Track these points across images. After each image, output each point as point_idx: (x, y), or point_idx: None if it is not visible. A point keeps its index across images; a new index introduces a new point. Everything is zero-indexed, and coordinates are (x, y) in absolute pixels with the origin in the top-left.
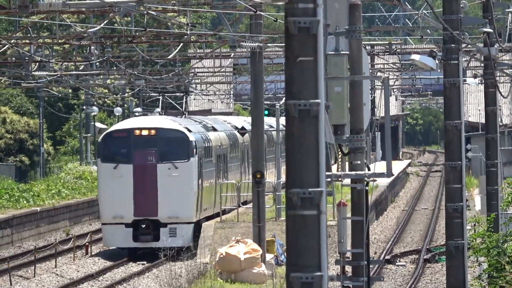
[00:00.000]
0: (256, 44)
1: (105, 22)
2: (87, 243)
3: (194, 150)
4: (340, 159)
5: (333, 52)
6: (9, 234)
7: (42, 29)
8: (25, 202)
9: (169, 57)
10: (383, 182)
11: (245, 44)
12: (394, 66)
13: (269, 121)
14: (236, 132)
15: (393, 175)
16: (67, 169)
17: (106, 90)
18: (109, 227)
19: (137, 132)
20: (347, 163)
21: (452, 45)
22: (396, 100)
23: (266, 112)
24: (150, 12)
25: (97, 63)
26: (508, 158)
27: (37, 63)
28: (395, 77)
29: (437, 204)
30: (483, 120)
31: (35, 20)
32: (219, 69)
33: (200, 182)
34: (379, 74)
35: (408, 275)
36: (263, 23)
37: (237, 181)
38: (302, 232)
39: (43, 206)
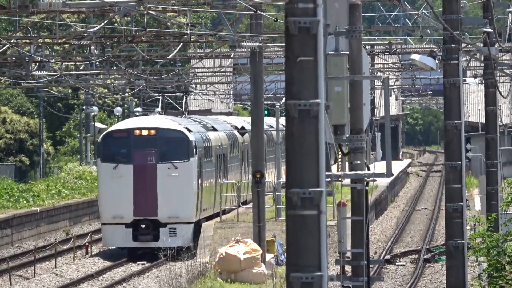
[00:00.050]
0: (256, 44)
1: (105, 22)
2: (87, 243)
3: (194, 150)
4: (340, 159)
5: (333, 52)
6: (9, 234)
7: (42, 29)
8: (25, 202)
9: (169, 57)
10: (383, 182)
11: (245, 44)
12: (394, 66)
13: (269, 121)
14: (236, 132)
15: (393, 175)
16: (67, 169)
17: (106, 90)
18: (109, 227)
19: (137, 132)
20: (347, 163)
21: (452, 45)
22: (396, 100)
23: (266, 112)
24: (150, 12)
25: (97, 63)
26: (508, 158)
27: (37, 63)
28: (395, 77)
29: (437, 204)
30: (483, 120)
31: (35, 20)
32: (219, 69)
33: (200, 182)
34: (379, 74)
35: (408, 275)
36: (263, 23)
37: (237, 181)
38: (302, 232)
39: (43, 206)
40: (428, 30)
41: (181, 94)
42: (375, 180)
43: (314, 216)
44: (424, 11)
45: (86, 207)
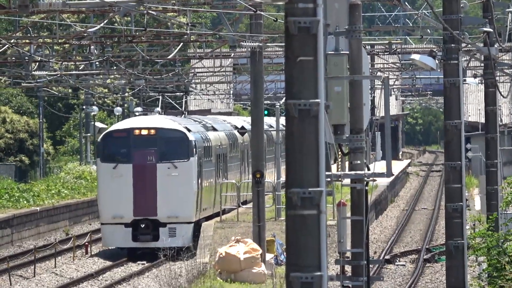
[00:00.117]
0: (256, 44)
1: (105, 21)
2: (86, 243)
3: (194, 149)
4: (340, 159)
5: (333, 52)
6: (9, 234)
7: (42, 28)
8: (25, 202)
9: (169, 57)
10: (383, 182)
11: (245, 44)
12: (394, 66)
13: (269, 121)
14: (235, 132)
15: (393, 175)
16: (67, 169)
17: (106, 90)
18: (108, 227)
19: (137, 132)
20: (347, 163)
21: (452, 45)
22: (396, 100)
23: (266, 112)
24: (150, 12)
25: (97, 63)
26: (508, 158)
27: (37, 63)
28: (395, 77)
29: (437, 204)
30: (483, 120)
31: (35, 20)
32: (219, 69)
33: (199, 182)
34: (379, 74)
35: (408, 275)
36: (263, 23)
37: (237, 181)
38: (302, 232)
39: (43, 206)
40: (428, 30)
41: (181, 94)
42: (375, 180)
43: (314, 216)
44: (424, 11)
45: (86, 207)
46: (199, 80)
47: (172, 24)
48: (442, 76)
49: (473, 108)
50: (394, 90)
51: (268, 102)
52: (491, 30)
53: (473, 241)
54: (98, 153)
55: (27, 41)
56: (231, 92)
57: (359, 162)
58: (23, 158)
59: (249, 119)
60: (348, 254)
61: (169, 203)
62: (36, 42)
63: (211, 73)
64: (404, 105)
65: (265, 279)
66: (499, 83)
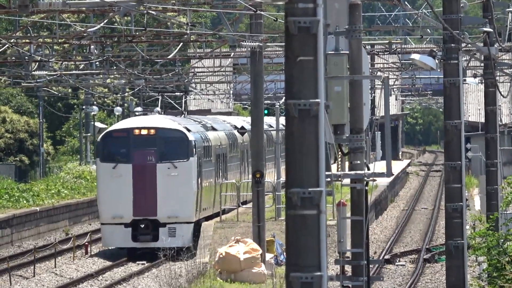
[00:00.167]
0: (256, 43)
1: (105, 21)
2: (86, 243)
3: (194, 149)
4: (340, 159)
5: (333, 52)
6: (9, 234)
7: (42, 28)
8: (24, 202)
9: (169, 56)
10: (383, 182)
11: (245, 43)
12: (394, 66)
13: (268, 120)
14: (235, 131)
15: (393, 175)
16: (66, 169)
17: (106, 90)
18: (108, 227)
19: (137, 131)
20: (346, 163)
21: (452, 44)
22: (396, 99)
23: (266, 111)
24: (150, 11)
25: (97, 63)
26: (508, 158)
27: (37, 63)
28: (395, 76)
29: (436, 204)
30: (483, 120)
31: (35, 20)
32: (219, 68)
33: (199, 182)
34: (379, 73)
35: (408, 275)
36: (263, 22)
37: (237, 181)
38: (302, 232)
39: (42, 206)
40: (428, 29)
41: (181, 94)
42: (375, 180)
43: (314, 216)
44: (424, 10)
45: (86, 207)
46: (199, 80)
47: (172, 24)
48: (442, 76)
49: (473, 108)
50: (394, 90)
51: (268, 102)
52: (491, 30)
53: (473, 241)
54: (98, 153)
55: (27, 41)
56: (231, 92)
57: (359, 162)
58: (23, 158)
59: (249, 119)
60: (348, 254)
61: (169, 203)
62: (36, 42)
63: (211, 73)
64: (404, 105)
65: (265, 279)
66: (499, 83)
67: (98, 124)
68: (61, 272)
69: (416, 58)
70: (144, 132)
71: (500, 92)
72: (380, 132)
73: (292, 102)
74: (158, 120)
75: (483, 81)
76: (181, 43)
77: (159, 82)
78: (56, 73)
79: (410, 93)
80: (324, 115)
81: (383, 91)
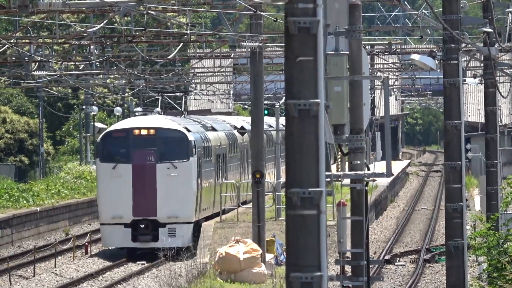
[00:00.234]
0: (256, 44)
1: (105, 21)
2: (86, 243)
3: (193, 150)
4: (339, 159)
5: (333, 52)
6: (9, 234)
7: (42, 28)
8: (24, 202)
9: (169, 57)
10: (383, 182)
11: (245, 44)
12: (394, 66)
13: (268, 120)
14: (235, 132)
15: (393, 175)
16: (66, 169)
17: (106, 90)
18: (108, 227)
19: (136, 132)
20: (346, 163)
21: (452, 45)
22: (396, 100)
23: (266, 111)
24: (150, 12)
25: (97, 63)
26: (508, 158)
27: (37, 63)
28: (395, 77)
29: (436, 204)
30: (483, 120)
31: (35, 20)
32: (219, 69)
33: (199, 182)
34: (379, 74)
35: (408, 275)
36: (263, 23)
37: (237, 181)
38: (302, 232)
39: (42, 206)
40: (428, 30)
41: (181, 94)
42: (375, 180)
43: (314, 216)
44: (424, 11)
45: (86, 207)
46: (199, 80)
47: (172, 24)
48: (442, 76)
49: (473, 108)
50: (394, 90)
51: (268, 102)
52: (491, 30)
53: (474, 241)
54: (98, 153)
55: (27, 41)
56: (231, 92)
57: (359, 162)
58: (23, 158)
59: (248, 119)
60: (348, 254)
61: (169, 203)
62: (36, 42)
63: (211, 73)
64: (404, 105)
65: (265, 279)
66: (499, 83)
67: (98, 124)
68: (61, 272)
69: (416, 59)
70: (144, 132)
71: (500, 93)
72: (380, 132)
73: (292, 102)
74: (158, 120)
75: (483, 82)
76: (181, 43)
77: (159, 82)
78: (56, 73)
79: (410, 93)
80: (324, 115)
81: (383, 91)
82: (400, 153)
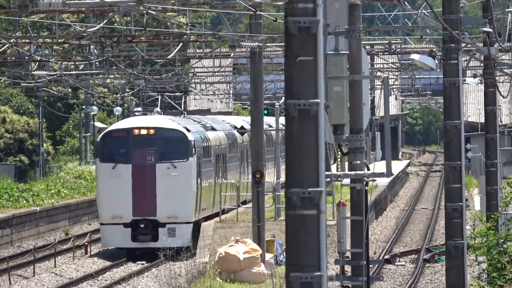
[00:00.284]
0: (256, 43)
1: (104, 21)
2: (86, 243)
3: (193, 149)
4: (339, 159)
5: (332, 52)
6: (9, 234)
7: (42, 28)
8: (24, 201)
9: (169, 57)
10: (383, 182)
11: (244, 44)
12: (394, 66)
13: (268, 120)
14: (235, 131)
15: (393, 175)
16: (66, 169)
17: (106, 90)
18: (107, 227)
19: (136, 131)
20: (346, 163)
21: (452, 44)
22: (396, 99)
23: (266, 111)
24: (149, 11)
25: (97, 63)
26: (508, 158)
27: (37, 63)
28: (394, 76)
29: (436, 204)
30: (482, 120)
31: (34, 20)
32: (218, 69)
33: (199, 182)
34: (378, 73)
35: (408, 275)
36: (262, 23)
37: (237, 181)
38: (302, 232)
39: (42, 206)
40: (427, 30)
41: (180, 94)
42: (374, 180)
43: (313, 216)
44: (423, 11)
45: (86, 207)
46: (198, 80)
47: (171, 24)
48: (442, 76)
49: (473, 108)
50: (394, 90)
51: (268, 102)
52: (491, 30)
53: (473, 241)
54: (97, 153)
55: (26, 41)
56: (231, 92)
57: (358, 162)
58: (22, 158)
59: (248, 119)
60: (348, 254)
61: (169, 203)
62: (36, 42)
63: (210, 73)
64: (403, 105)
65: (264, 279)
66: (499, 83)
67: (98, 124)
68: (61, 272)
69: (416, 58)
70: (143, 132)
71: (500, 92)
72: (379, 132)
73: (292, 102)
74: (158, 120)
75: (483, 81)
76: (181, 43)
77: (159, 82)
78: (56, 73)
79: (409, 93)
80: (324, 115)
81: (382, 91)
82: (400, 153)
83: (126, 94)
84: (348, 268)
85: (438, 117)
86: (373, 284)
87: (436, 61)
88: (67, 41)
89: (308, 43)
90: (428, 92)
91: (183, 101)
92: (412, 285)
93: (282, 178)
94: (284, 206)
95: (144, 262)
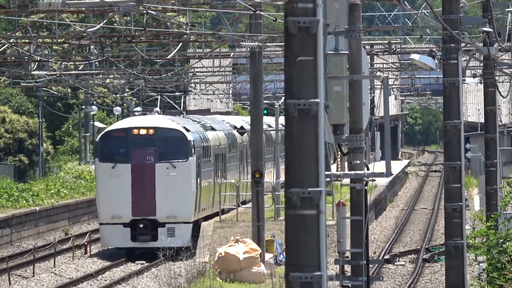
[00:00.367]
0: (256, 43)
1: (104, 21)
2: (86, 243)
3: (193, 149)
4: (339, 159)
5: (332, 52)
6: (8, 234)
7: (42, 28)
8: (24, 201)
9: (169, 56)
10: (382, 182)
11: (244, 43)
12: (394, 66)
13: (268, 120)
14: (234, 131)
15: (392, 174)
16: (66, 169)
17: (106, 90)
18: (107, 227)
19: (135, 131)
20: (346, 163)
21: (452, 44)
22: (396, 99)
23: (265, 111)
24: (149, 11)
25: (97, 63)
26: (508, 158)
27: (37, 63)
28: (394, 76)
29: (436, 204)
30: (482, 120)
31: (34, 20)
32: (218, 68)
33: (198, 182)
34: (378, 73)
35: (407, 275)
36: (262, 22)
37: (236, 181)
38: (302, 231)
39: (42, 206)
40: (427, 29)
41: (180, 93)
42: (374, 180)
43: (313, 216)
44: (423, 10)
45: (85, 207)
46: (198, 80)
47: (171, 24)
48: (442, 76)
49: (472, 108)
50: (394, 90)
51: (268, 101)
52: (491, 30)
53: (473, 240)
54: (97, 152)
55: (26, 40)
56: (231, 92)
57: (358, 162)
58: (22, 157)
59: (248, 118)
60: (348, 254)
61: (168, 203)
62: (36, 42)
63: (210, 73)
64: (403, 105)
65: (264, 278)
66: (499, 83)
67: (98, 124)
68: (61, 272)
69: (416, 58)
70: (143, 132)
71: (499, 92)
72: (379, 132)
73: (291, 102)
74: (157, 120)
75: (482, 81)
76: (181, 43)
77: (158, 82)
78: (56, 73)
79: (409, 93)
80: (323, 115)
81: (382, 91)
82: (400, 153)
83: (125, 94)
84: (348, 268)
85: (437, 117)
86: (373, 284)
87: (436, 61)
88: (67, 41)
89: (308, 43)
90: (428, 92)
91: (182, 101)
92: (412, 285)
93: (282, 178)
94: (283, 206)
95: (143, 262)
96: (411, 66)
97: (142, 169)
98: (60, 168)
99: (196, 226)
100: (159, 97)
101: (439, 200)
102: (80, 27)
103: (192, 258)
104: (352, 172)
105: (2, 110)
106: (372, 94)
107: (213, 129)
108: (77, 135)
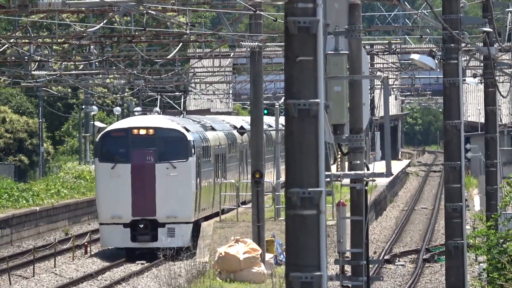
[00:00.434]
0: (256, 43)
1: (104, 21)
2: (86, 243)
3: (193, 149)
4: (339, 159)
5: (332, 52)
6: (9, 234)
7: (42, 28)
8: (24, 201)
9: (169, 56)
10: (383, 182)
11: (244, 43)
12: (394, 66)
13: (268, 120)
14: (235, 131)
15: (393, 175)
16: (66, 169)
17: (106, 90)
18: (107, 227)
19: (135, 131)
20: (346, 163)
21: (452, 44)
22: (396, 99)
23: (265, 111)
24: (149, 11)
25: (97, 63)
26: (508, 158)
27: (37, 63)
28: (394, 76)
29: (436, 204)
30: (482, 120)
31: (34, 20)
32: (218, 68)
33: (198, 182)
34: (378, 73)
35: (408, 275)
36: (262, 22)
37: (236, 181)
38: (302, 232)
39: (42, 206)
40: (427, 29)
41: (180, 93)
42: (374, 180)
43: (313, 216)
44: (423, 10)
45: (86, 207)
46: (198, 80)
47: (171, 24)
48: (442, 76)
49: (472, 108)
50: (394, 90)
51: (268, 101)
52: (491, 30)
53: (473, 240)
54: (96, 152)
55: (26, 40)
56: (231, 92)
57: (358, 162)
58: (22, 157)
59: (248, 118)
60: (348, 254)
61: (168, 203)
62: (36, 42)
63: (210, 73)
64: (403, 105)
65: (264, 279)
66: (499, 83)
67: (98, 124)
68: (61, 272)
69: (416, 58)
70: (142, 132)
71: (500, 92)
72: (379, 132)
73: (291, 102)
74: (157, 120)
75: (482, 81)
76: (181, 43)
77: (158, 82)
78: (56, 73)
79: (409, 93)
80: (323, 115)
81: (382, 91)
82: (400, 153)
83: (125, 94)
84: (348, 268)
85: (438, 117)
86: (373, 284)
87: (436, 61)
88: (67, 41)
89: (308, 43)
90: (428, 92)
91: (182, 101)
92: (412, 285)
93: (282, 178)
94: (284, 206)
95: (143, 262)
96: (411, 66)
97: (142, 169)
98: (60, 168)
99: (196, 226)
100: (159, 97)
101: (439, 200)
102: (80, 27)
103: (192, 258)
104: (352, 172)
105: (2, 110)
106: (372, 94)
107: (213, 129)
108: (77, 135)
